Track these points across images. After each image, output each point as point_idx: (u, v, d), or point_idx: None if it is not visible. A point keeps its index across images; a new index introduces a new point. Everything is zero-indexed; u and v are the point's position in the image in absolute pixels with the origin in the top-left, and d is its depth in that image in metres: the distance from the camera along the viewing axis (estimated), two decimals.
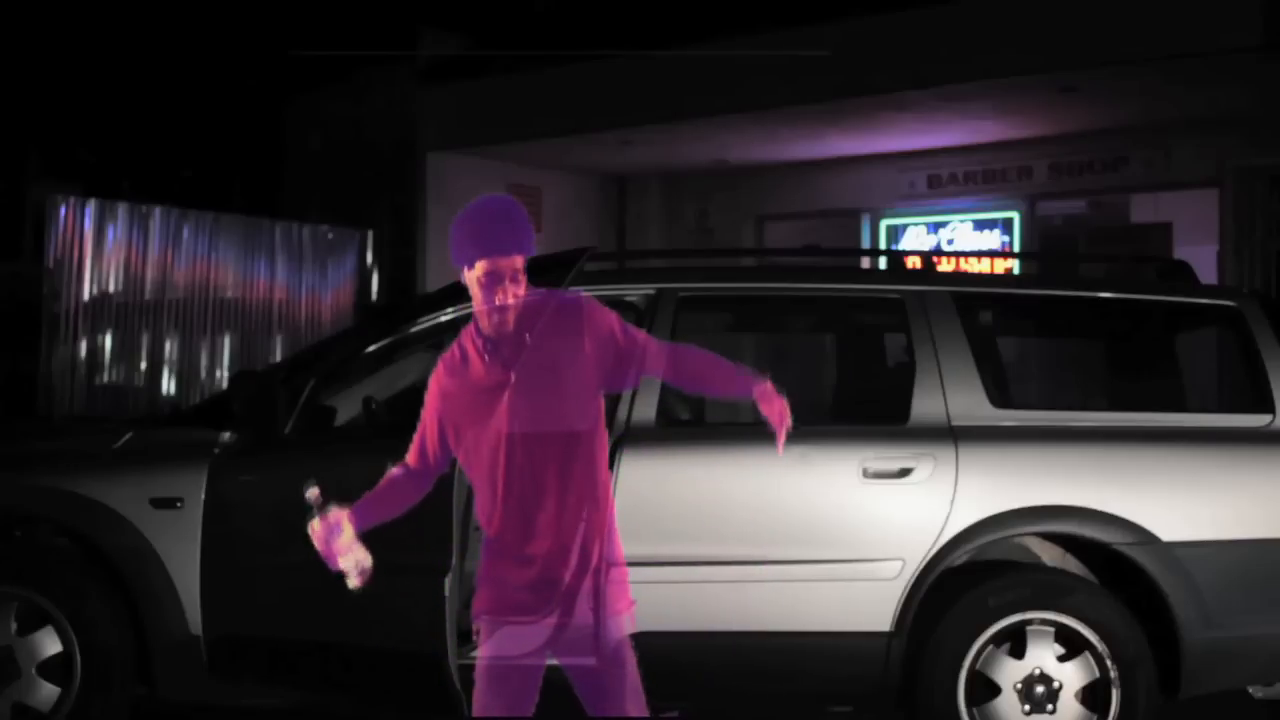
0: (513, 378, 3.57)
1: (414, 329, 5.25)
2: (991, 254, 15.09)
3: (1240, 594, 5.00)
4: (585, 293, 3.88)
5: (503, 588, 3.59)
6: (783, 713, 5.70)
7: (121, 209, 13.07)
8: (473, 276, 3.60)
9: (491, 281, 3.57)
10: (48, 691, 5.01)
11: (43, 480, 5.12)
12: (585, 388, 3.62)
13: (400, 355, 5.53)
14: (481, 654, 3.61)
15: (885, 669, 4.90)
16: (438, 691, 4.58)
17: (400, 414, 5.66)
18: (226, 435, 5.08)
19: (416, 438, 3.75)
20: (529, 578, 3.55)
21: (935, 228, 15.27)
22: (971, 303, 5.36)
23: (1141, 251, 12.07)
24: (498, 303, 3.58)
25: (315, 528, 3.63)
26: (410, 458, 3.77)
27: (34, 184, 19.08)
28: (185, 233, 13.39)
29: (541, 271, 3.98)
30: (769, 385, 3.64)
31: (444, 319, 5.13)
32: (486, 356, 3.62)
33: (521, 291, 3.61)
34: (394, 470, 3.79)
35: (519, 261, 3.60)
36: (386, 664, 4.83)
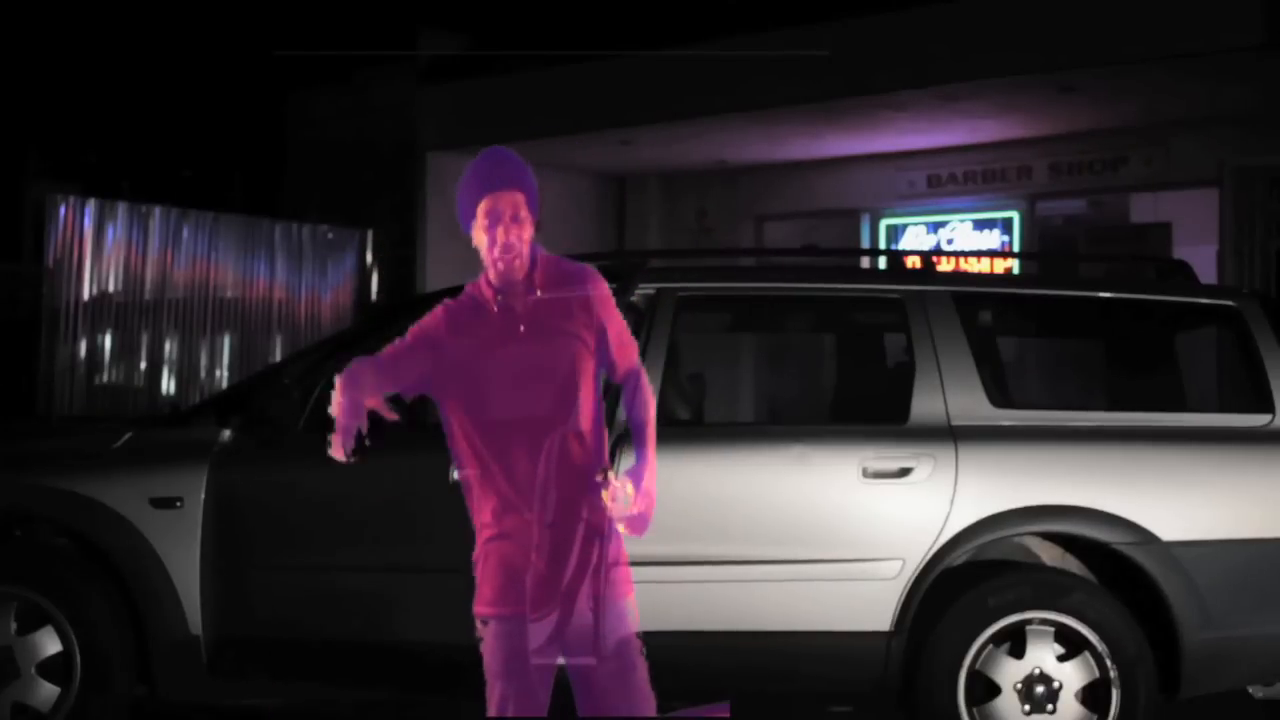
0: (522, 329, 3.58)
1: None
2: (991, 254, 15.09)
3: (1240, 594, 4.99)
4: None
5: (506, 577, 3.58)
6: (783, 713, 5.70)
7: (121, 209, 13.07)
8: (478, 226, 3.62)
9: (493, 221, 3.60)
10: (48, 691, 5.00)
11: (43, 480, 5.12)
12: (583, 368, 3.62)
13: None
14: (490, 652, 3.61)
15: (885, 669, 4.89)
16: (444, 682, 4.61)
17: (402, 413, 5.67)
18: (226, 434, 5.08)
19: (390, 348, 3.63)
20: (535, 568, 3.55)
21: (935, 228, 15.27)
22: (971, 303, 5.36)
23: (1141, 251, 12.08)
24: (501, 242, 3.59)
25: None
26: (382, 354, 3.64)
27: (34, 184, 19.07)
28: (185, 233, 13.39)
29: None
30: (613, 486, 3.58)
31: None
32: (497, 307, 3.62)
33: (526, 234, 3.63)
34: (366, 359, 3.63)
35: (520, 199, 3.63)
36: (391, 660, 4.84)
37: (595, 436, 3.64)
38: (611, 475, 3.55)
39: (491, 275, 3.64)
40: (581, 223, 15.89)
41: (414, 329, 3.67)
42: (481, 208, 3.61)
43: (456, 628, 4.69)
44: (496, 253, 3.61)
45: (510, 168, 3.67)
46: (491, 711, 3.60)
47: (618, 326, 3.73)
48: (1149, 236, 13.37)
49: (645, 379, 3.77)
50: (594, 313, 3.68)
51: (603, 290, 3.73)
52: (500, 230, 3.60)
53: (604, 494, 3.53)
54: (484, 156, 3.71)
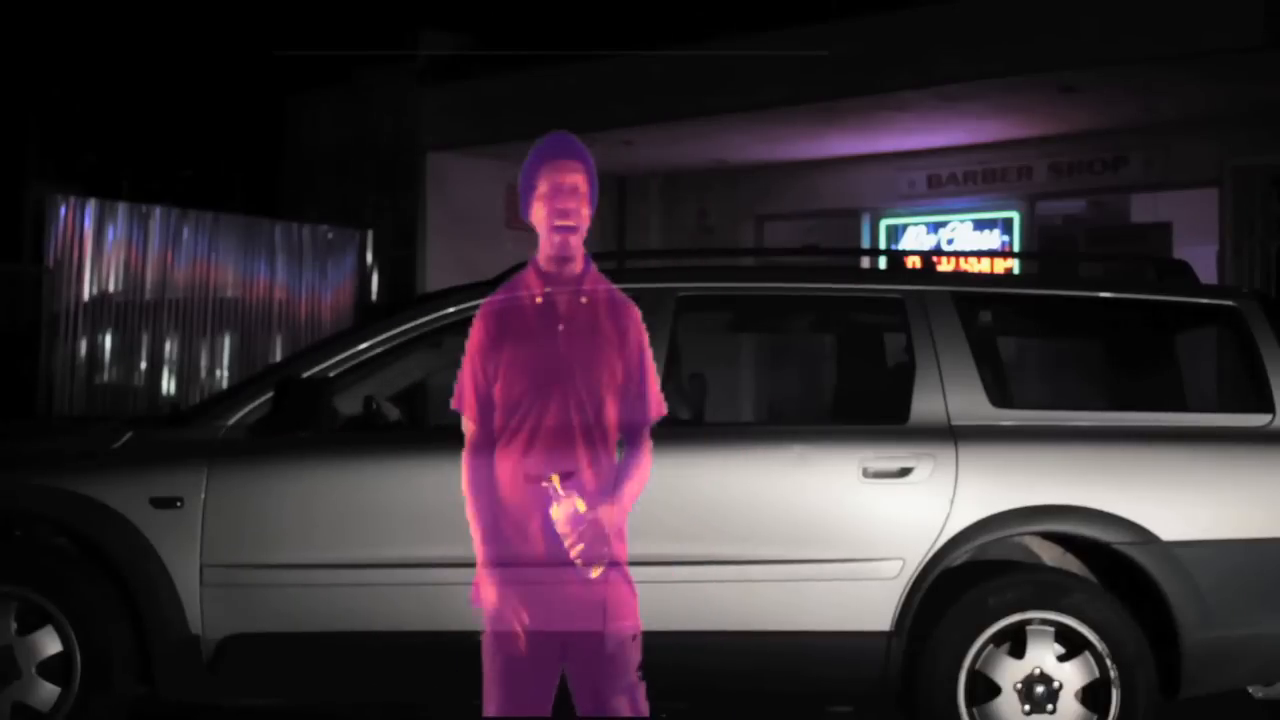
0: (561, 328, 3.57)
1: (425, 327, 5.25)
2: (991, 254, 15.10)
3: (1240, 594, 4.99)
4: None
5: None
6: (783, 713, 5.70)
7: (121, 209, 13.09)
8: (537, 201, 3.62)
9: (554, 192, 3.58)
10: (48, 691, 5.00)
11: (43, 480, 5.11)
12: (608, 385, 3.63)
13: (404, 353, 5.51)
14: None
15: (885, 669, 4.89)
16: (446, 682, 4.62)
17: (403, 412, 5.67)
18: (226, 433, 5.08)
19: (464, 400, 3.69)
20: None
21: (935, 228, 15.28)
22: (971, 303, 5.36)
23: (1141, 251, 12.08)
24: (559, 208, 3.57)
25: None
26: (466, 427, 3.71)
27: (34, 184, 19.09)
28: (185, 233, 13.40)
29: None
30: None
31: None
32: (541, 299, 3.61)
33: (585, 211, 3.61)
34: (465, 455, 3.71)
35: (580, 180, 3.61)
36: (392, 660, 4.84)
37: (608, 460, 3.65)
38: (559, 487, 3.57)
39: (546, 251, 3.63)
40: None
41: (466, 357, 3.68)
42: (543, 183, 3.61)
43: (459, 625, 4.73)
44: (555, 222, 3.61)
45: (574, 146, 3.69)
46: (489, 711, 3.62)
47: (638, 370, 3.70)
48: (1149, 236, 13.38)
49: (645, 447, 3.79)
50: (627, 345, 3.67)
51: (640, 330, 3.72)
52: (560, 199, 3.59)
53: (553, 506, 3.56)
54: (546, 138, 3.73)
